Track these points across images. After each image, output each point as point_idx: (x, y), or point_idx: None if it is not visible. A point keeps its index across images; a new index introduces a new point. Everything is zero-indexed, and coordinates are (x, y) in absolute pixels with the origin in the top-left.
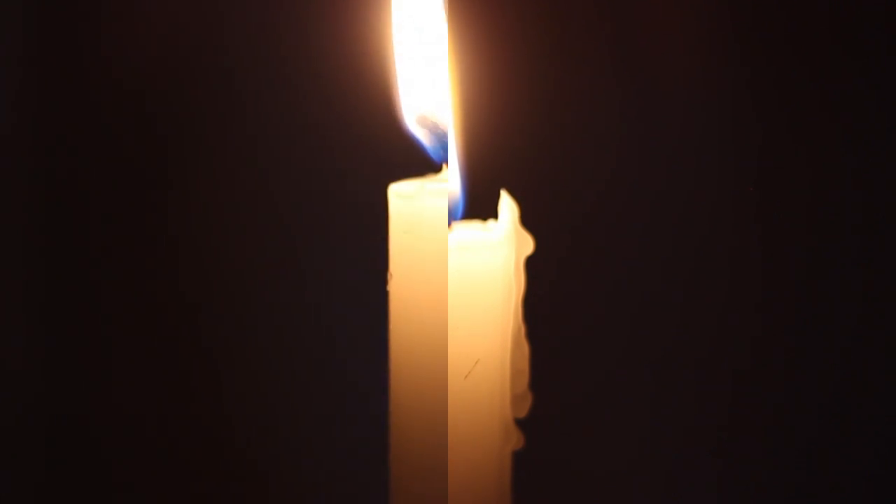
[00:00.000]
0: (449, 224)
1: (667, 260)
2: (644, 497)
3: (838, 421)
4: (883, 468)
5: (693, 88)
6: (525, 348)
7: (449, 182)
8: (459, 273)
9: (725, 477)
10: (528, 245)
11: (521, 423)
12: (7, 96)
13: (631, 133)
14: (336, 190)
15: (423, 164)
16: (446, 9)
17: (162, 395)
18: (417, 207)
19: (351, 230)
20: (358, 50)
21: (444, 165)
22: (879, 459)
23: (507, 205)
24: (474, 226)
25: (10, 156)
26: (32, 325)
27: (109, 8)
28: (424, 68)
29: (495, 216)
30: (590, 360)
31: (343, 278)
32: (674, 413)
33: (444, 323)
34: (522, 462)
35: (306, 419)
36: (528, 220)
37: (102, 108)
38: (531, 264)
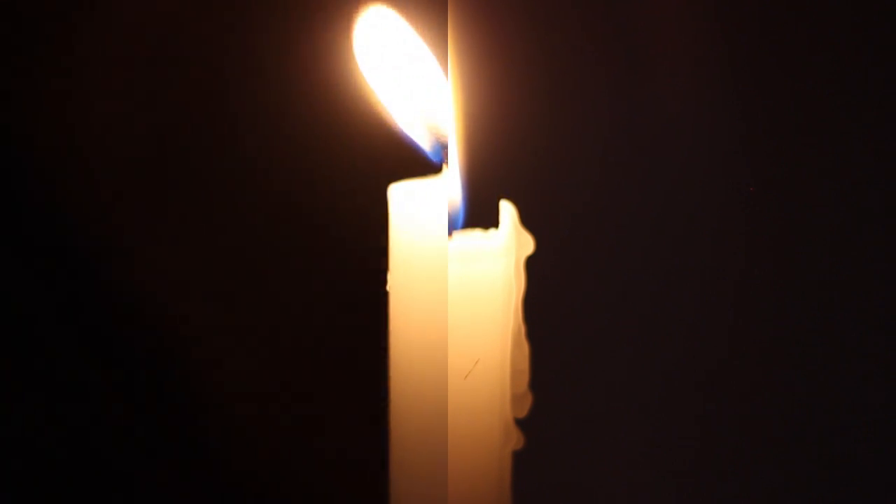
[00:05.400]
0: (450, 233)
1: (667, 260)
2: (644, 497)
3: (853, 427)
4: None
5: (694, 93)
6: (525, 348)
7: (449, 184)
8: (460, 279)
9: (727, 477)
10: (528, 245)
11: (521, 423)
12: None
13: (631, 134)
14: (336, 190)
15: (423, 164)
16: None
17: (159, 396)
18: (417, 207)
19: (351, 230)
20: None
21: (444, 165)
22: None
23: (508, 212)
24: (475, 234)
25: (10, 156)
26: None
27: (110, 8)
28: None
29: (496, 225)
30: (590, 359)
31: (343, 278)
32: (674, 413)
33: (444, 323)
34: (522, 462)
35: (305, 419)
36: (529, 220)
37: (103, 107)
38: (531, 264)
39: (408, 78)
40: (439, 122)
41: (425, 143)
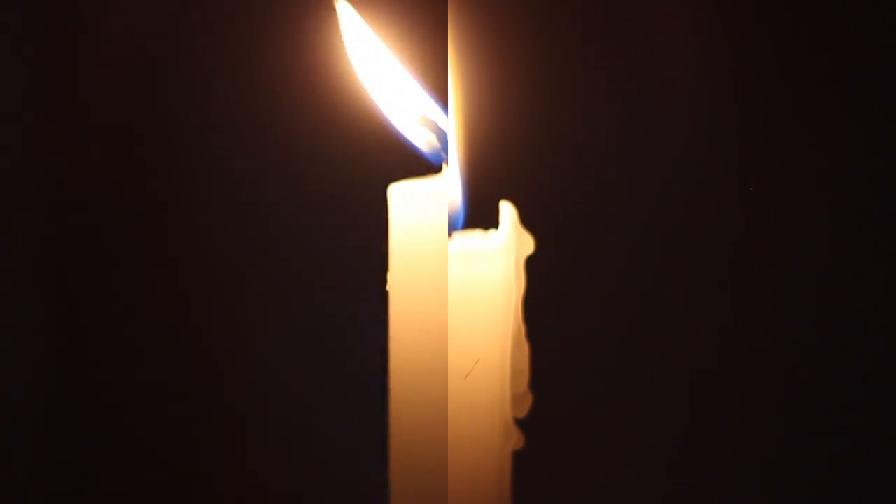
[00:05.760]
0: (450, 234)
1: (667, 260)
2: (643, 497)
3: (848, 425)
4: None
5: (693, 92)
6: (525, 348)
7: (449, 185)
8: (460, 279)
9: (725, 477)
10: (528, 245)
11: (521, 423)
12: (7, 96)
13: (632, 134)
14: (336, 190)
15: (423, 164)
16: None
17: (158, 395)
18: (417, 207)
19: (351, 230)
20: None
21: (444, 165)
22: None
23: (508, 213)
24: (475, 235)
25: (11, 156)
26: (33, 325)
27: (109, 9)
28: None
29: (496, 225)
30: (590, 360)
31: (343, 278)
32: (673, 413)
33: (444, 323)
34: (522, 462)
35: (305, 419)
36: (529, 220)
37: (104, 106)
38: (531, 264)
39: (403, 78)
40: (437, 120)
41: (423, 144)
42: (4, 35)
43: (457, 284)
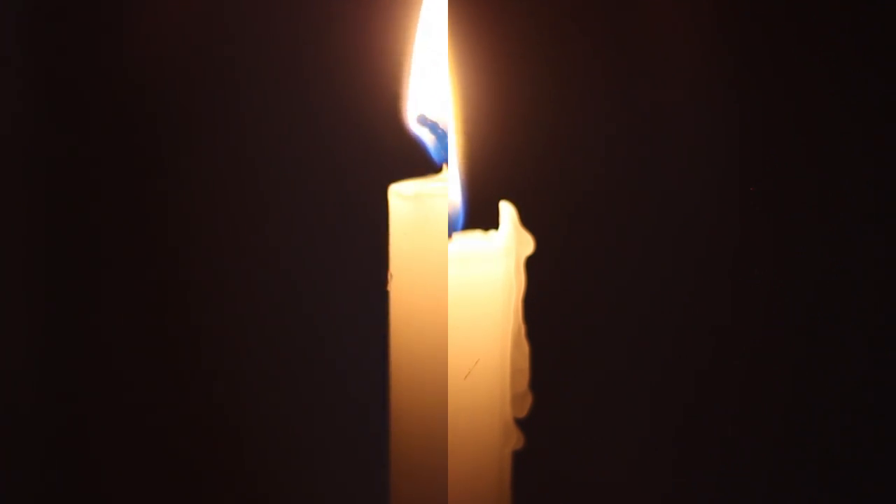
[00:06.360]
0: (450, 235)
1: (667, 260)
2: (643, 497)
3: (848, 425)
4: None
5: (693, 92)
6: (525, 348)
7: (449, 185)
8: (460, 280)
9: (725, 477)
10: (528, 245)
11: (521, 423)
12: (7, 96)
13: (632, 134)
14: (336, 190)
15: (423, 164)
16: (447, 15)
17: (159, 395)
18: (417, 208)
19: (351, 230)
20: (358, 49)
21: (444, 165)
22: None
23: (508, 213)
24: (475, 235)
25: (11, 155)
26: (33, 325)
27: (110, 8)
28: (427, 69)
29: (496, 226)
30: (590, 359)
31: (343, 278)
32: (674, 413)
33: (444, 323)
34: (522, 462)
35: (305, 419)
36: (529, 220)
37: (103, 106)
38: (531, 264)
39: (419, 74)
40: (439, 115)
41: (427, 139)
42: (6, 32)
43: (457, 285)
